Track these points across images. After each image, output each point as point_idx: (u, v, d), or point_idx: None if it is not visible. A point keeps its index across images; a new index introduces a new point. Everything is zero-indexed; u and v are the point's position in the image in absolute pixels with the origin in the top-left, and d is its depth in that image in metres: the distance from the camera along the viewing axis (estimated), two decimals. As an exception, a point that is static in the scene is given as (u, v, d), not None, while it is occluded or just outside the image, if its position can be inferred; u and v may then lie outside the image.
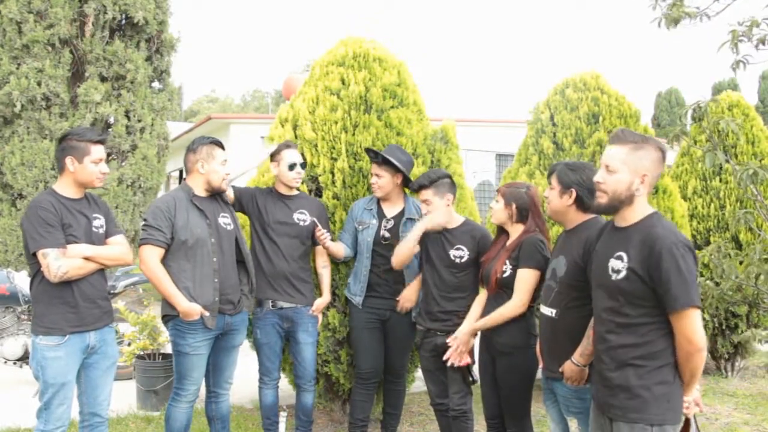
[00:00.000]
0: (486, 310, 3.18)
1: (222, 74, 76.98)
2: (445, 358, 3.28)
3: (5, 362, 5.40)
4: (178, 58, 13.18)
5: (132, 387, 4.92)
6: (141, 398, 4.82)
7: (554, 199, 2.80)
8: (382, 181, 3.72)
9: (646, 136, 2.28)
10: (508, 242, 3.19)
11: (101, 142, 3.03)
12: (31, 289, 2.99)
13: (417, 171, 4.11)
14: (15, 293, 5.47)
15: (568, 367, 2.62)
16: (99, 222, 3.06)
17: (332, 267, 3.95)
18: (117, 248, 3.09)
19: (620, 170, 2.23)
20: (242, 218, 3.89)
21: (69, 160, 2.95)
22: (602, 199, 2.29)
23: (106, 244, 3.07)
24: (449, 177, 3.53)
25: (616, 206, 2.27)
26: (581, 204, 2.74)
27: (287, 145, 3.79)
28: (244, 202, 3.73)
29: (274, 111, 32.47)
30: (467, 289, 3.44)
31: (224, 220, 3.44)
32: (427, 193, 3.43)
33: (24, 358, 5.37)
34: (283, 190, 3.79)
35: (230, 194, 3.66)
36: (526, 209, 3.15)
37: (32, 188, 8.18)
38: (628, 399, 2.18)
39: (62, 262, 2.82)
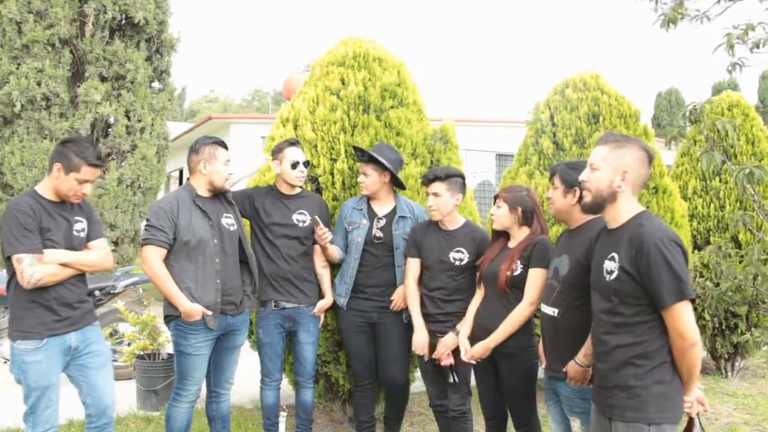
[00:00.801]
0: (489, 311, 3.16)
1: (222, 74, 77.05)
2: (467, 361, 3.19)
3: (5, 362, 5.40)
4: (178, 58, 13.19)
5: (132, 387, 4.92)
6: (141, 398, 4.82)
7: (558, 199, 2.81)
8: (369, 179, 3.66)
9: (629, 137, 2.34)
10: (513, 243, 3.19)
11: (96, 166, 2.96)
12: (7, 292, 2.94)
13: (416, 171, 4.11)
14: (15, 293, 5.46)
15: (572, 368, 2.62)
16: (80, 225, 3.02)
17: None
18: (96, 253, 3.05)
19: (602, 168, 2.30)
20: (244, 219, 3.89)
21: (56, 167, 2.91)
22: (587, 197, 2.36)
23: (87, 247, 3.03)
24: (463, 178, 3.51)
25: (600, 203, 2.32)
26: None
27: (290, 143, 3.73)
28: (239, 206, 3.66)
29: (274, 111, 32.47)
30: (466, 291, 3.44)
31: (227, 220, 3.42)
32: (439, 186, 3.41)
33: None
34: (285, 189, 3.75)
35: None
36: (530, 211, 3.16)
37: (32, 188, 8.18)
38: (626, 398, 2.19)
39: (36, 268, 2.78)
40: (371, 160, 3.64)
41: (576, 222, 2.79)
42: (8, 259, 2.81)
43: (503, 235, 3.26)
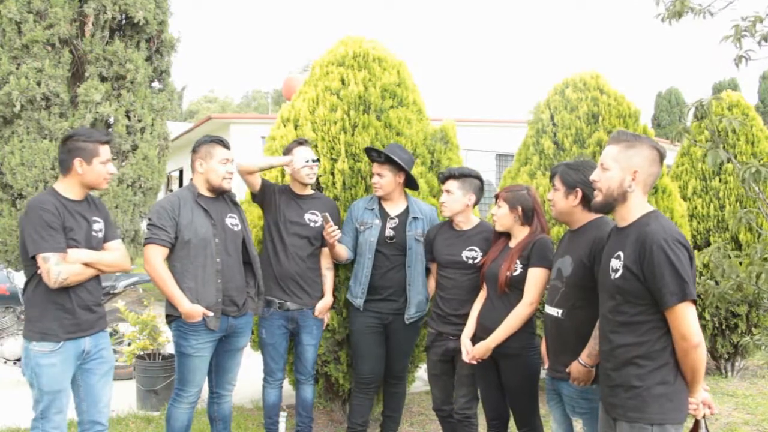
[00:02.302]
0: (490, 312, 3.15)
1: (221, 74, 77.04)
2: (468, 361, 3.16)
3: (5, 362, 5.40)
4: (178, 58, 13.19)
5: (132, 387, 4.92)
6: (141, 398, 4.82)
7: (560, 200, 2.79)
8: (384, 180, 3.67)
9: (640, 136, 2.33)
10: (513, 243, 3.19)
11: (108, 142, 3.00)
12: (24, 292, 2.93)
13: (416, 171, 4.10)
14: (15, 293, 5.47)
15: (575, 368, 2.61)
16: (98, 225, 3.02)
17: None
18: (116, 254, 3.05)
19: (612, 168, 2.30)
20: (254, 215, 3.89)
21: (77, 162, 2.89)
22: (598, 197, 2.36)
23: (103, 248, 3.03)
24: (481, 181, 3.50)
25: (610, 203, 2.32)
26: (588, 203, 2.73)
27: (300, 142, 3.76)
28: (268, 193, 3.70)
29: (274, 111, 32.45)
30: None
31: (232, 220, 3.41)
32: (452, 184, 3.40)
33: (24, 358, 5.36)
34: (297, 189, 3.76)
35: (256, 184, 3.66)
36: (530, 210, 3.16)
37: (32, 188, 8.17)
38: (628, 398, 2.19)
39: (62, 267, 2.76)
40: (388, 160, 3.64)
41: (578, 222, 2.78)
42: (32, 258, 2.78)
43: (504, 234, 3.25)
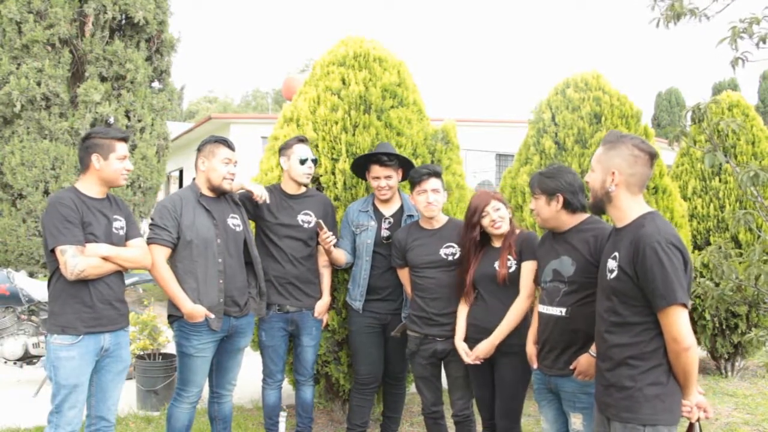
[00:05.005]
0: (488, 311, 3.15)
1: (221, 74, 77.02)
2: (472, 362, 3.15)
3: (5, 362, 5.39)
4: (178, 58, 13.19)
5: (132, 387, 4.91)
6: (141, 398, 4.82)
7: (542, 208, 2.82)
8: (393, 181, 3.65)
9: (626, 136, 2.35)
10: (497, 242, 3.21)
11: (125, 139, 3.03)
12: (48, 287, 2.96)
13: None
14: (15, 293, 5.46)
15: (585, 360, 2.60)
16: (120, 223, 3.03)
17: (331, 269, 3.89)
18: (136, 251, 3.06)
19: (596, 169, 2.37)
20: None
21: (95, 158, 2.94)
22: (590, 198, 2.43)
23: (125, 246, 3.04)
24: None
25: (597, 204, 2.38)
26: (569, 206, 2.78)
27: (299, 140, 3.72)
28: (249, 202, 3.60)
29: (274, 111, 32.46)
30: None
31: (233, 221, 3.40)
32: (438, 183, 3.40)
33: (24, 358, 5.36)
34: (290, 188, 3.71)
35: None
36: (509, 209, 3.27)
37: (32, 188, 8.18)
38: (621, 399, 2.21)
39: (79, 260, 2.79)
40: (403, 163, 3.66)
41: (565, 225, 2.81)
42: (52, 252, 2.82)
43: (472, 239, 3.23)
